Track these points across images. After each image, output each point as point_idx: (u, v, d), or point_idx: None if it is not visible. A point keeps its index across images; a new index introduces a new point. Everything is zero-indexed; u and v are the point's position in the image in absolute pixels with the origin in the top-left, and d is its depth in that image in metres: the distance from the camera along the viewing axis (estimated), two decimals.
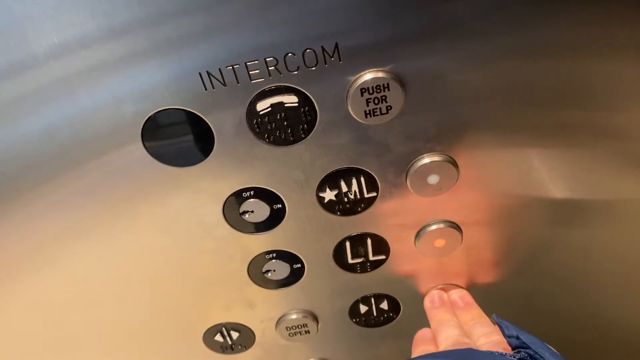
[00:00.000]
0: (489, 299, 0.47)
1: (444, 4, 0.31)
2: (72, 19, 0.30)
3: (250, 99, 0.33)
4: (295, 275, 0.44)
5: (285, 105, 0.34)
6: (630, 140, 0.38)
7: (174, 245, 0.42)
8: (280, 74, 0.33)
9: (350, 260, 0.44)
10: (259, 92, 0.33)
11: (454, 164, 0.37)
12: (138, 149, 0.35)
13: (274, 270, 0.44)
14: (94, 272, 0.43)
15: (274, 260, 0.43)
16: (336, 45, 0.31)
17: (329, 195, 0.39)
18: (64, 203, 0.38)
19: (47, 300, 0.44)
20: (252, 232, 0.41)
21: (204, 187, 0.38)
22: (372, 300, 0.47)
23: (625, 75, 0.34)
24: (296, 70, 0.32)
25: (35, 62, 0.32)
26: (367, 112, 0.34)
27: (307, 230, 0.41)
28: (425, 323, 0.45)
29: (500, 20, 0.32)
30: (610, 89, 0.35)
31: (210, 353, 0.50)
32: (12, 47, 0.31)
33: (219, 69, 0.32)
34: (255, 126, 0.35)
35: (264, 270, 0.44)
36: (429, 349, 0.41)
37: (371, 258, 0.44)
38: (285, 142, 0.36)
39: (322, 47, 0.31)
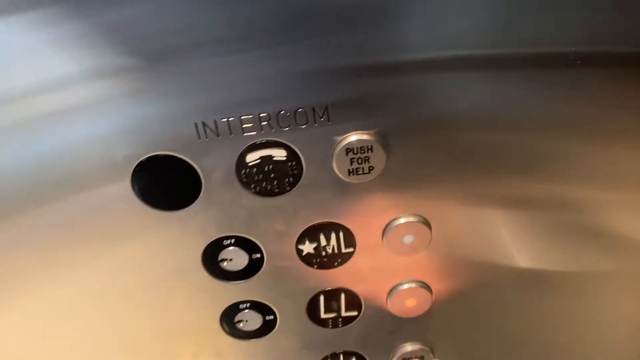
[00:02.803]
0: None
1: (426, 83, 0.34)
2: (73, 55, 0.32)
3: (240, 151, 0.35)
4: (267, 327, 0.44)
5: (274, 158, 0.36)
6: (588, 214, 0.41)
7: (148, 287, 0.42)
8: (272, 129, 0.34)
9: (322, 315, 0.44)
10: (250, 145, 0.35)
11: (428, 226, 0.39)
12: (125, 189, 0.36)
13: (246, 321, 0.44)
14: (64, 306, 0.42)
15: (247, 311, 0.43)
16: (326, 108, 0.34)
17: (308, 247, 0.40)
18: (41, 233, 0.38)
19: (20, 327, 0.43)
20: (228, 280, 0.41)
21: (186, 232, 0.39)
22: (341, 357, 0.47)
23: (586, 153, 0.38)
24: (287, 127, 0.34)
25: (30, 93, 0.33)
26: (351, 170, 0.36)
27: (283, 282, 0.42)
28: None
29: (478, 100, 0.35)
30: (572, 166, 0.38)
31: None
32: (9, 75, 0.32)
33: (214, 121, 0.34)
34: (243, 176, 0.36)
35: (236, 320, 0.44)
36: None
37: (343, 314, 0.44)
38: (271, 194, 0.37)
39: (313, 108, 0.34)
